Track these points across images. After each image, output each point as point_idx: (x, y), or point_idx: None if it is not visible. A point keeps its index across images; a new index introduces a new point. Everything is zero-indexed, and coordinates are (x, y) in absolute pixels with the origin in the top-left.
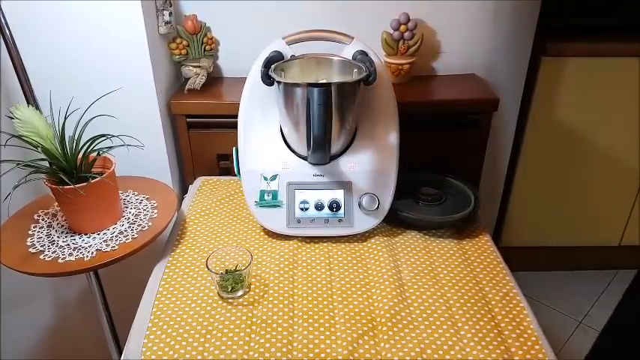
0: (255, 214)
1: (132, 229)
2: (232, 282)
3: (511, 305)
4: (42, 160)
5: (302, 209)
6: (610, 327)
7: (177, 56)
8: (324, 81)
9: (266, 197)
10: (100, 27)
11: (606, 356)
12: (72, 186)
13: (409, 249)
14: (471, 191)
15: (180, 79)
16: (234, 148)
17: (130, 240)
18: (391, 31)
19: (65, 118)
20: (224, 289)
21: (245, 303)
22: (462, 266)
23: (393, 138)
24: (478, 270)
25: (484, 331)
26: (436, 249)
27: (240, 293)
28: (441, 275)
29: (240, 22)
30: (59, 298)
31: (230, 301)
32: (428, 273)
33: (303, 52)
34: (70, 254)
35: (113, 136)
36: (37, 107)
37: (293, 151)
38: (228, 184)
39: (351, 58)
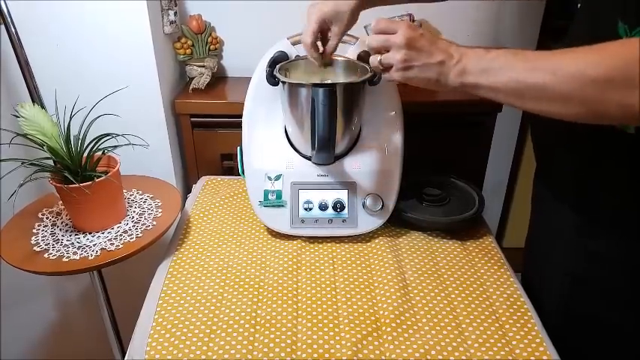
0: (258, 213)
1: (136, 229)
2: None
3: (515, 306)
4: (47, 158)
5: (306, 209)
6: None
7: (182, 56)
8: (329, 81)
9: (270, 197)
10: (105, 26)
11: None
12: (77, 185)
13: (413, 249)
14: (474, 192)
15: (184, 78)
16: (238, 148)
17: (134, 239)
18: None
19: (70, 117)
20: None
21: (249, 303)
22: (466, 267)
23: (397, 138)
24: (482, 271)
25: (488, 332)
26: (440, 250)
27: None
28: (445, 276)
29: (245, 21)
30: (62, 296)
31: (234, 300)
32: (432, 274)
33: None
34: (75, 253)
35: (118, 135)
36: (43, 106)
37: (297, 151)
38: (232, 183)
39: (355, 58)
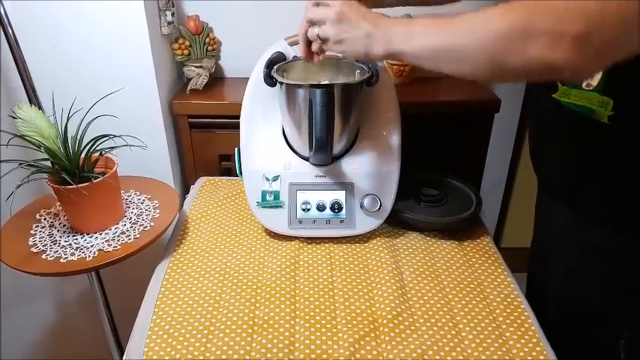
0: (256, 214)
1: (134, 229)
2: None
3: (512, 306)
4: (44, 159)
5: (304, 210)
6: None
7: (180, 56)
8: (327, 82)
9: (268, 198)
10: (102, 27)
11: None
12: (74, 186)
13: (410, 250)
14: (472, 192)
15: (182, 79)
16: (236, 149)
17: (132, 240)
18: None
19: (68, 118)
20: None
21: (247, 303)
22: (464, 267)
23: (395, 139)
24: (479, 271)
25: (485, 332)
26: (437, 250)
27: None
28: (443, 276)
29: (243, 22)
30: (60, 297)
31: (232, 301)
32: (429, 274)
33: None
34: (72, 254)
35: (115, 136)
36: (40, 107)
37: (295, 151)
38: (230, 184)
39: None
